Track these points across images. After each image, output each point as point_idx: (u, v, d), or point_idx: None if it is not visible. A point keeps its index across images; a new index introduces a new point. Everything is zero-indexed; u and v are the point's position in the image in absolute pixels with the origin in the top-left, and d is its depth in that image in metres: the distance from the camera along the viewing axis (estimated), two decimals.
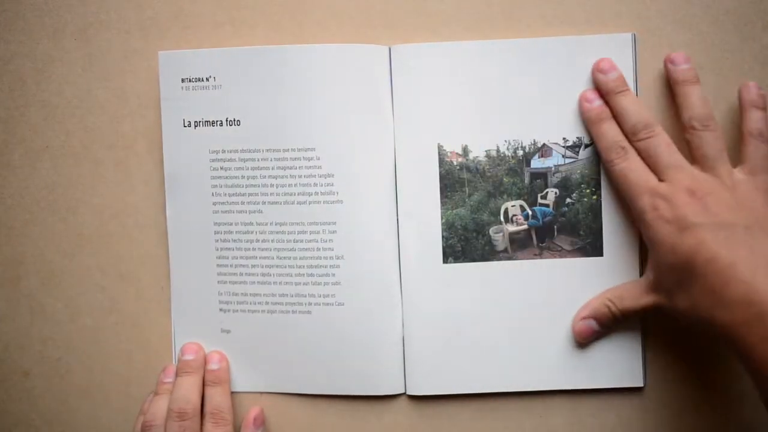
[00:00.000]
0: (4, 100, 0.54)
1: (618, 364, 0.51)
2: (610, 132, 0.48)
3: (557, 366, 0.51)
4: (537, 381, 0.52)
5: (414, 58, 0.51)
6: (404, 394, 0.52)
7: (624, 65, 0.50)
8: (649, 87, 0.51)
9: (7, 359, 0.55)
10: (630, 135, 0.48)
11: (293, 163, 0.51)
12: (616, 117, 0.49)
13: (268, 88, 0.51)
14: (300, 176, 0.51)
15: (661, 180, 0.46)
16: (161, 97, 0.52)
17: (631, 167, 0.47)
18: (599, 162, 0.50)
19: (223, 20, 0.52)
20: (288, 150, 0.51)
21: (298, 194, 0.51)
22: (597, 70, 0.50)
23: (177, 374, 0.52)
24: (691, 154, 0.47)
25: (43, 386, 0.55)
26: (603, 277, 0.51)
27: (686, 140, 0.47)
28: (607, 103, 0.49)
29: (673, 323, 0.51)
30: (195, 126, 0.52)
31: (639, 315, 0.49)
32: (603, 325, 0.50)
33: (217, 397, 0.51)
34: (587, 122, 0.50)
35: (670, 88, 0.50)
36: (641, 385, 0.51)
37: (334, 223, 0.51)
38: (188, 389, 0.50)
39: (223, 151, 0.52)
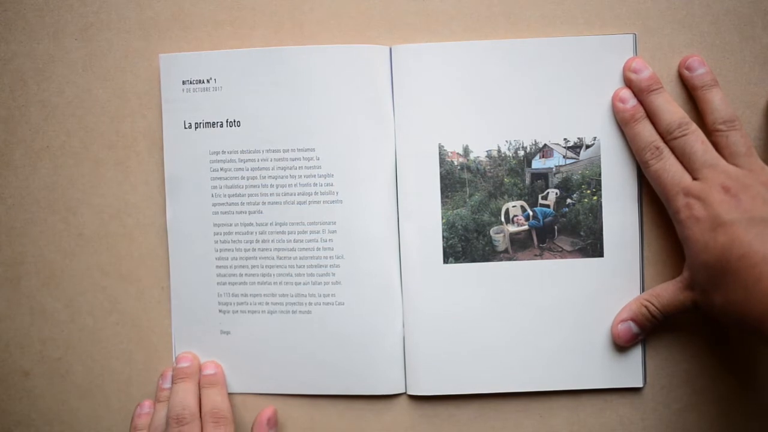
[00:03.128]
0: (5, 100, 0.54)
1: (618, 364, 0.51)
2: (644, 132, 0.49)
3: (557, 366, 0.51)
4: (537, 381, 0.52)
5: (414, 58, 0.51)
6: (404, 393, 0.52)
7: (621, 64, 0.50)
8: None
9: (8, 359, 0.55)
10: (665, 134, 0.48)
11: (293, 164, 0.51)
12: (650, 116, 0.49)
13: (268, 90, 0.51)
14: (300, 176, 0.51)
15: (695, 178, 0.46)
16: (162, 99, 0.52)
17: (665, 167, 0.47)
18: (600, 163, 0.50)
19: (224, 20, 0.53)
20: (288, 150, 0.51)
21: (298, 194, 0.51)
22: (629, 70, 0.50)
23: (173, 381, 0.52)
24: (721, 153, 0.47)
25: (44, 386, 0.55)
26: (603, 277, 0.51)
27: (713, 142, 0.47)
28: (640, 102, 0.49)
29: (675, 323, 0.51)
30: (195, 127, 0.52)
31: (678, 313, 0.49)
32: (642, 327, 0.50)
33: (214, 397, 0.51)
34: (621, 122, 0.50)
35: (688, 92, 0.51)
36: (641, 385, 0.51)
37: (334, 223, 0.51)
38: (184, 395, 0.50)
39: (223, 152, 0.52)
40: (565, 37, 0.51)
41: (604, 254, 0.51)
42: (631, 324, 0.50)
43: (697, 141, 0.47)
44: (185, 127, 0.52)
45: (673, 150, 0.48)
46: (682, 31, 0.51)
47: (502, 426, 0.52)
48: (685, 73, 0.50)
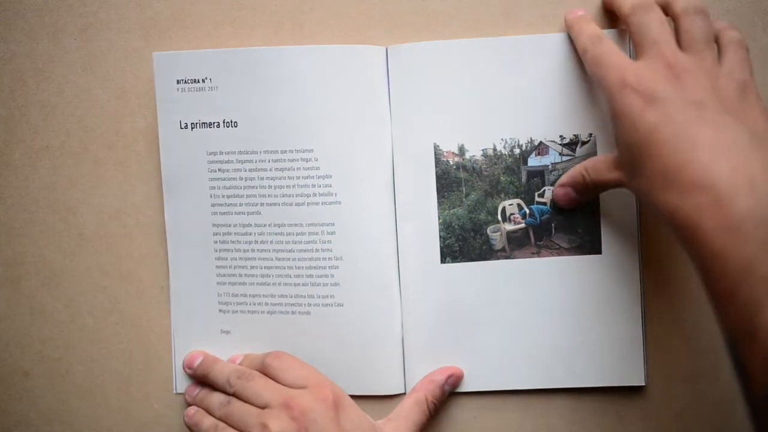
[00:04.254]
0: (4, 100, 0.54)
1: (619, 362, 0.51)
2: (587, 29, 0.48)
3: (558, 364, 0.51)
4: (537, 379, 0.51)
5: (410, 57, 0.50)
6: (404, 394, 0.52)
7: None
8: None
9: (8, 359, 0.55)
10: (625, 16, 0.46)
11: (291, 164, 0.51)
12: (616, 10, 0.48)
13: (265, 90, 0.51)
14: (298, 177, 0.51)
15: (641, 57, 0.44)
16: (157, 99, 0.52)
17: (605, 51, 0.45)
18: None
19: (223, 20, 0.52)
20: (285, 151, 0.51)
21: (297, 195, 0.51)
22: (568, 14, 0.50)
23: (203, 376, 0.51)
24: (680, 39, 0.44)
25: (44, 386, 0.55)
26: (601, 274, 0.51)
27: (676, 28, 0.45)
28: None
29: (676, 321, 0.51)
30: (192, 128, 0.52)
31: (607, 188, 0.47)
32: (579, 193, 0.49)
33: (262, 355, 0.51)
34: (567, 29, 0.50)
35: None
36: (642, 384, 0.51)
37: (333, 224, 0.51)
38: (226, 366, 0.51)
39: (221, 153, 0.52)
40: (558, 34, 0.50)
41: (602, 251, 0.51)
42: (569, 189, 0.49)
43: (654, 20, 0.44)
44: (181, 128, 0.52)
45: (630, 32, 0.45)
46: None
47: (502, 425, 0.52)
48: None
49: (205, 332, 0.53)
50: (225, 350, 0.53)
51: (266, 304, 0.53)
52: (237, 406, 0.48)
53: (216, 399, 0.50)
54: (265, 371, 0.49)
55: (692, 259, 0.38)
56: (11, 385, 0.55)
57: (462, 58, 0.50)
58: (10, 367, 0.55)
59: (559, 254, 0.51)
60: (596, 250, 0.51)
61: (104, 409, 0.55)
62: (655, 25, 0.44)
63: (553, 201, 0.51)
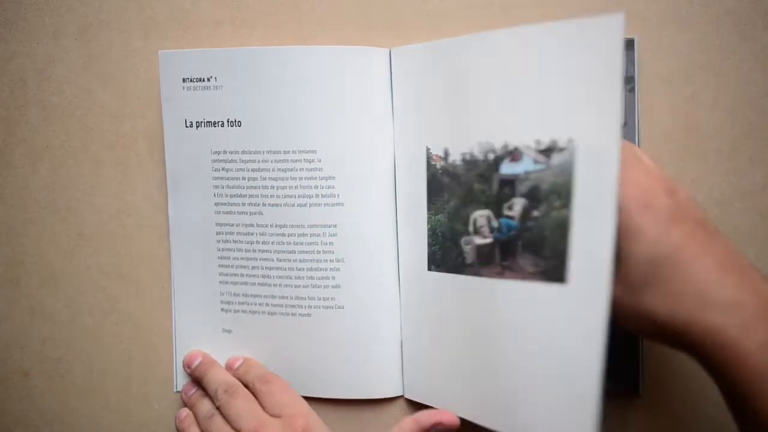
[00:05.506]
0: (5, 100, 0.54)
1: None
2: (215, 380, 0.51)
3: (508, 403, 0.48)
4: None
5: (412, 59, 0.50)
6: (402, 397, 0.52)
7: (613, 50, 0.39)
8: (649, 87, 0.51)
9: (8, 359, 0.55)
10: None
11: (294, 165, 0.51)
12: None
13: (269, 89, 0.51)
14: (300, 178, 0.51)
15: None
16: (162, 97, 0.52)
17: (624, 162, 0.42)
18: (573, 170, 0.41)
19: (224, 20, 0.52)
20: (289, 152, 0.51)
21: (299, 196, 0.51)
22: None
23: (199, 377, 0.52)
24: None
25: (44, 386, 0.55)
26: (563, 307, 0.41)
27: None
28: None
29: None
30: (196, 126, 0.52)
31: None
32: None
33: (257, 370, 0.52)
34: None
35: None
36: (638, 391, 0.51)
37: (335, 226, 0.51)
38: (219, 375, 0.51)
39: (225, 152, 0.52)
40: (541, 24, 0.42)
41: (567, 280, 0.41)
42: None
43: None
44: (186, 126, 0.52)
45: None
46: (682, 31, 0.51)
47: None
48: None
49: (207, 331, 0.53)
50: (226, 349, 0.53)
51: (267, 304, 0.53)
52: (217, 425, 0.49)
53: (204, 408, 0.51)
54: (252, 391, 0.51)
55: (725, 382, 0.38)
56: (11, 385, 0.55)
57: (448, 58, 0.48)
58: (10, 367, 0.55)
59: (522, 278, 0.43)
60: (559, 278, 0.41)
61: (104, 409, 0.55)
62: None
63: (522, 215, 0.43)
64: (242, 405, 0.49)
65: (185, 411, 0.52)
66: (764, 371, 0.36)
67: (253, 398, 0.50)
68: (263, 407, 0.49)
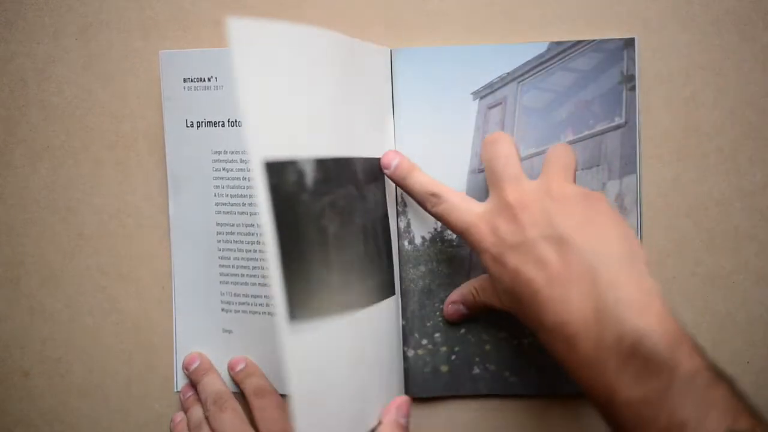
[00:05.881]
0: (5, 100, 0.54)
1: None
2: (416, 181, 0.47)
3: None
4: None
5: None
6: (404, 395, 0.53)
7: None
8: (649, 87, 0.51)
9: (8, 359, 0.55)
10: (481, 149, 0.46)
11: None
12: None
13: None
14: None
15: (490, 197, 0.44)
16: (163, 97, 0.52)
17: (446, 209, 0.45)
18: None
19: (223, 20, 0.52)
20: None
21: None
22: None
23: (195, 382, 0.53)
24: None
25: (44, 386, 0.55)
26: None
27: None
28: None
29: None
30: (197, 126, 0.52)
31: (495, 309, 0.46)
32: (469, 308, 0.50)
33: (255, 381, 0.52)
34: (397, 184, 0.49)
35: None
36: None
37: None
38: (213, 383, 0.51)
39: (225, 152, 0.52)
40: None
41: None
42: (461, 306, 0.50)
43: (500, 155, 0.44)
44: (187, 126, 0.52)
45: (484, 165, 0.45)
46: (682, 31, 0.51)
47: (503, 426, 0.52)
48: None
49: (207, 331, 0.53)
50: (226, 350, 0.53)
51: (267, 305, 0.53)
52: None
53: (195, 415, 0.51)
54: (247, 401, 0.51)
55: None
56: (11, 385, 0.55)
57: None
58: (10, 367, 0.55)
59: None
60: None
61: (104, 409, 0.55)
62: (501, 161, 0.44)
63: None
64: (228, 421, 0.49)
65: (180, 415, 0.53)
66: (586, 387, 0.37)
67: (241, 413, 0.50)
68: (254, 420, 0.50)
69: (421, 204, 0.47)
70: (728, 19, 0.51)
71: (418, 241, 0.51)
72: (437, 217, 0.46)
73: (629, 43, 0.50)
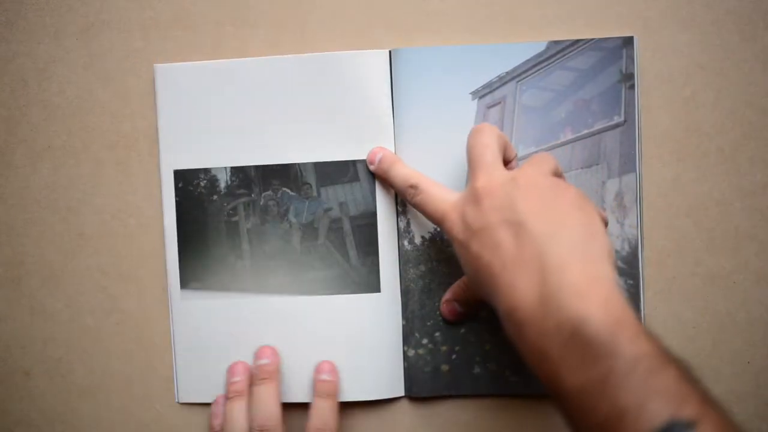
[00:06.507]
0: (6, 100, 0.54)
1: None
2: (397, 174, 0.48)
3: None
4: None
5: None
6: (404, 397, 0.52)
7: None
8: (649, 87, 0.51)
9: (8, 359, 0.55)
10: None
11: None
12: None
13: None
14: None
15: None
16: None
17: (423, 200, 0.45)
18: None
19: (224, 20, 0.53)
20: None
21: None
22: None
23: (253, 381, 0.50)
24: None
25: (44, 386, 0.55)
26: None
27: None
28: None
29: (672, 328, 0.51)
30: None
31: (484, 304, 0.46)
32: (463, 306, 0.50)
33: (326, 412, 0.49)
34: (382, 178, 0.50)
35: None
36: None
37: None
38: (267, 400, 0.49)
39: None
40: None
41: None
42: (455, 304, 0.50)
43: (478, 144, 0.44)
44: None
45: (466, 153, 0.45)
46: (682, 31, 0.51)
47: (503, 426, 0.52)
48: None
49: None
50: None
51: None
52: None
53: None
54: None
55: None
56: (12, 385, 0.55)
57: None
58: (10, 367, 0.55)
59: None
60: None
61: (105, 409, 0.55)
62: (478, 149, 0.44)
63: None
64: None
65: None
66: (542, 378, 0.36)
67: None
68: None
69: (402, 196, 0.48)
70: (728, 19, 0.51)
71: (418, 240, 0.51)
72: (417, 207, 0.46)
73: (628, 41, 0.50)
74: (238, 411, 0.49)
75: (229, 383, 0.51)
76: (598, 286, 0.35)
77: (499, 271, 0.38)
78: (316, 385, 0.50)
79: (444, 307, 0.51)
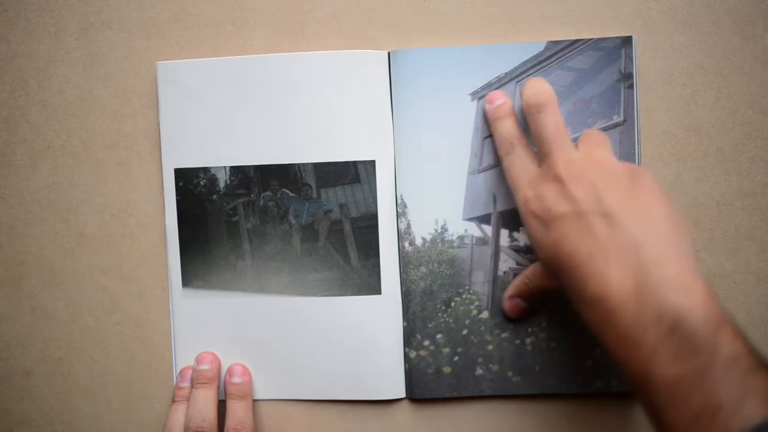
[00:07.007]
0: (6, 100, 0.54)
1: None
2: (503, 128, 0.48)
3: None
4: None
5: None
6: (405, 398, 0.53)
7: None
8: (649, 87, 0.51)
9: (9, 359, 0.55)
10: (526, 114, 0.46)
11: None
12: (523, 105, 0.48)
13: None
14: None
15: (540, 166, 0.45)
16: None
17: (514, 162, 0.46)
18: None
19: (224, 20, 0.53)
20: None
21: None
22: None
23: (192, 385, 0.52)
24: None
25: (45, 386, 0.55)
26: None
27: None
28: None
29: None
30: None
31: (549, 295, 0.48)
32: (527, 301, 0.50)
33: (240, 412, 0.51)
34: (489, 124, 0.50)
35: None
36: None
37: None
38: (204, 404, 0.50)
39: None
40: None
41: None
42: (519, 300, 0.50)
43: (549, 123, 0.44)
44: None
45: (533, 131, 0.46)
46: (682, 31, 0.51)
47: (503, 426, 0.52)
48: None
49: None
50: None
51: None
52: None
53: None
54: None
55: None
56: (13, 384, 0.55)
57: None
58: (11, 367, 0.55)
59: None
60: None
61: (105, 409, 0.55)
62: (549, 128, 0.44)
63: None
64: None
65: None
66: (620, 362, 0.37)
67: None
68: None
69: (498, 146, 0.48)
70: (728, 19, 0.51)
71: (418, 242, 0.51)
72: (505, 165, 0.47)
73: (627, 41, 0.50)
74: (179, 413, 0.51)
75: (176, 387, 0.53)
76: (699, 283, 0.36)
77: (585, 260, 0.39)
78: (228, 388, 0.52)
79: (507, 305, 0.51)
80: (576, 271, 0.39)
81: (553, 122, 0.44)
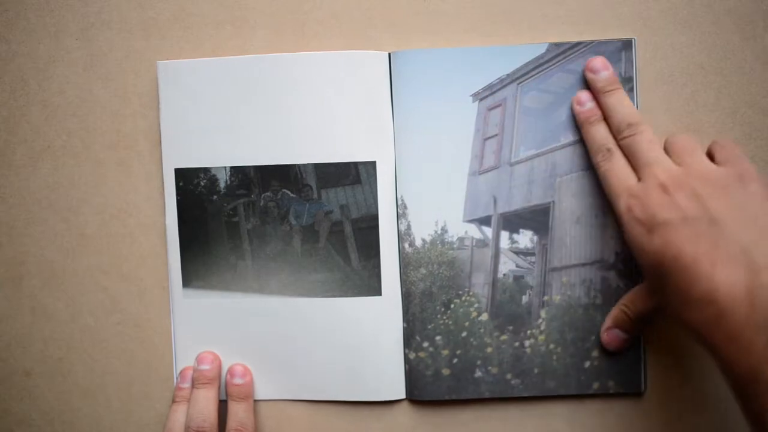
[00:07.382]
0: (6, 100, 0.54)
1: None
2: (597, 134, 0.48)
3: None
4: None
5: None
6: (405, 399, 0.53)
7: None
8: (649, 87, 0.51)
9: (9, 359, 0.55)
10: (615, 134, 0.47)
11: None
12: (606, 117, 0.49)
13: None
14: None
15: (640, 179, 0.45)
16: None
17: (612, 168, 0.47)
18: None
19: (224, 20, 0.52)
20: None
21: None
22: (588, 70, 0.50)
23: (193, 385, 0.52)
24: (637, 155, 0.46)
25: (45, 386, 0.55)
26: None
27: (625, 145, 0.47)
28: (597, 102, 0.49)
29: (672, 328, 0.51)
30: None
31: (651, 317, 0.48)
32: (627, 331, 0.50)
33: (241, 413, 0.51)
34: (579, 125, 0.50)
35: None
36: (641, 390, 0.51)
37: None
38: (205, 404, 0.50)
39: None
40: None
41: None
42: (617, 331, 0.50)
43: (643, 141, 0.46)
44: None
45: (622, 150, 0.47)
46: (682, 31, 0.51)
47: (503, 428, 0.52)
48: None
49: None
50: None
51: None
52: None
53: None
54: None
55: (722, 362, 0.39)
56: (13, 384, 0.55)
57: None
58: (11, 367, 0.55)
59: None
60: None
61: (105, 409, 0.55)
62: (642, 146, 0.45)
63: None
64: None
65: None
66: (727, 362, 0.38)
67: None
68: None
69: (594, 152, 0.49)
70: (728, 19, 0.51)
71: (418, 243, 0.51)
72: (599, 170, 0.48)
73: (627, 45, 0.50)
74: (180, 414, 0.51)
75: (176, 387, 0.53)
76: None
77: (691, 262, 0.39)
78: (229, 389, 0.52)
79: (605, 337, 0.50)
80: (682, 273, 0.40)
81: (646, 139, 0.46)
